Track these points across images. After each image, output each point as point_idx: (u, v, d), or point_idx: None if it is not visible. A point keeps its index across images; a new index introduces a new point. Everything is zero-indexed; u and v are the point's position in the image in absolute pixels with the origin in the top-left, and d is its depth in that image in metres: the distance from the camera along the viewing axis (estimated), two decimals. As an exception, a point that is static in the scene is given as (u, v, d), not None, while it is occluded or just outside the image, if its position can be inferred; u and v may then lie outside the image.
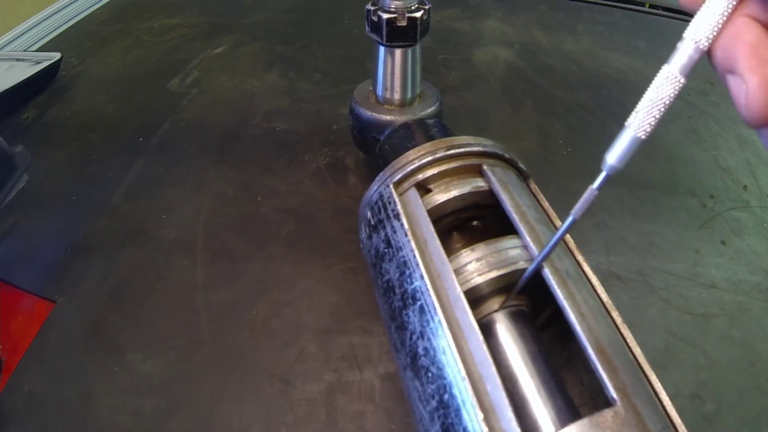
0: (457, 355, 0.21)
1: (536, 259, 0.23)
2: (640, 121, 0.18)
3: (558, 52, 0.72)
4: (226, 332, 0.38)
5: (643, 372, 0.22)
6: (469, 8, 0.84)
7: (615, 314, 0.24)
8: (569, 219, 0.21)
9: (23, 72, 0.62)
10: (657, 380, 0.22)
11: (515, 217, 0.25)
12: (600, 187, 0.20)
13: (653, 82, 0.18)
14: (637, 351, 0.22)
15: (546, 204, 0.29)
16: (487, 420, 0.19)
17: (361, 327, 0.38)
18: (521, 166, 0.31)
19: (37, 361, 0.37)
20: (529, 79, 0.66)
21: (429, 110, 0.42)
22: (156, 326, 0.39)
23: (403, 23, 0.37)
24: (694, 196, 0.49)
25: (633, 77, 0.66)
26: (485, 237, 0.26)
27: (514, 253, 0.25)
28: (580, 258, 0.26)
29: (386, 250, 0.27)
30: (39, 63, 0.64)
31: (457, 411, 0.20)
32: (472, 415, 0.20)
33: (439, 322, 0.22)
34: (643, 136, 0.18)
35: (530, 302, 0.26)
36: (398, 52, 0.40)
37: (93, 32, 0.80)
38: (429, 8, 0.38)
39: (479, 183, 0.28)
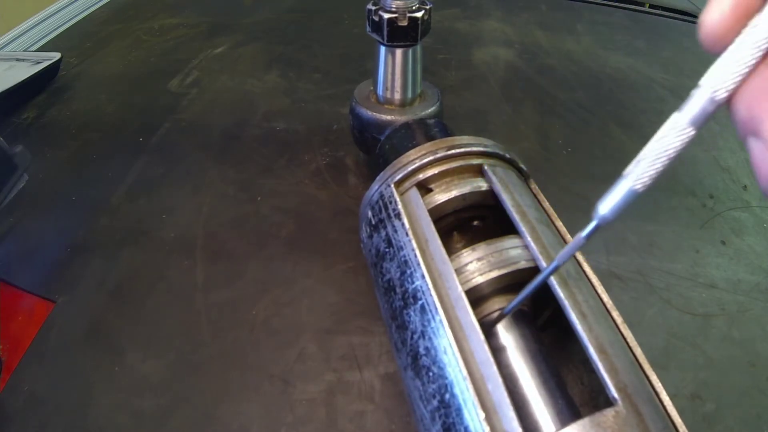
0: (458, 355, 0.21)
1: (517, 297, 0.22)
2: (640, 172, 0.16)
3: (558, 52, 0.72)
4: (226, 332, 0.38)
5: (644, 372, 0.22)
6: (469, 8, 0.84)
7: (615, 314, 0.24)
8: (553, 264, 0.20)
9: (23, 72, 0.62)
10: (657, 380, 0.22)
11: (516, 217, 0.25)
12: (588, 237, 0.18)
13: (659, 130, 0.16)
14: (638, 351, 0.22)
15: (546, 204, 0.29)
16: (489, 419, 0.19)
17: (361, 327, 0.38)
18: (522, 166, 0.31)
19: (37, 361, 0.37)
20: (529, 79, 0.66)
21: (429, 110, 0.42)
22: (156, 326, 0.38)
23: (404, 23, 0.37)
24: (694, 196, 0.49)
25: (633, 77, 0.66)
26: (486, 237, 0.26)
27: (515, 252, 0.25)
28: (580, 258, 0.26)
29: (387, 250, 0.27)
30: (39, 63, 0.64)
31: (459, 410, 0.20)
32: (473, 414, 0.20)
33: (440, 321, 0.22)
34: (641, 189, 0.16)
35: (531, 302, 0.26)
36: (399, 52, 0.40)
37: (93, 32, 0.80)
38: (430, 8, 0.38)
39: (480, 183, 0.28)
